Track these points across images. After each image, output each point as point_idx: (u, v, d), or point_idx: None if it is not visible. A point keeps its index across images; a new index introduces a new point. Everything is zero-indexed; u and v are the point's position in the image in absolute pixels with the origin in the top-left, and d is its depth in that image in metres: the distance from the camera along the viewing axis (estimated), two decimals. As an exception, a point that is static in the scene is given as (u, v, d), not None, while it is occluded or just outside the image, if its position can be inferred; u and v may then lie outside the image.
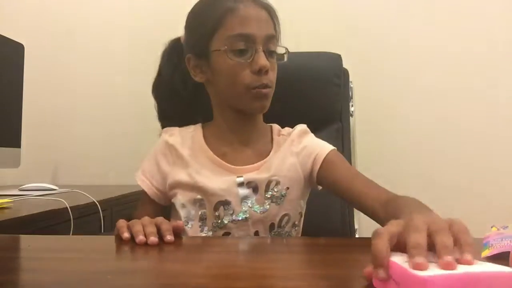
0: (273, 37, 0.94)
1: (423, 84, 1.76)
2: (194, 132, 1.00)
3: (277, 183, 0.94)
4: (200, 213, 0.93)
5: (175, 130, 1.01)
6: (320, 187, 0.99)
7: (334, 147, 0.99)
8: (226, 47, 0.91)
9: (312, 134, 1.02)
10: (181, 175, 0.94)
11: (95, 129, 1.92)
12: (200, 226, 0.93)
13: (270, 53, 0.93)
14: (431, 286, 0.41)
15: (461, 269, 0.43)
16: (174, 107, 1.05)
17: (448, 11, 1.76)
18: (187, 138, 0.99)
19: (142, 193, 1.00)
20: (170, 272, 0.54)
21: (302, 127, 1.02)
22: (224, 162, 0.95)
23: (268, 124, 1.04)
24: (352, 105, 1.38)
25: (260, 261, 0.65)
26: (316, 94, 1.26)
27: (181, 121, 1.03)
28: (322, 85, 1.28)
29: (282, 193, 0.95)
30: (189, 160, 0.95)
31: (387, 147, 1.73)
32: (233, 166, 0.94)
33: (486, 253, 0.60)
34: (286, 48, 0.98)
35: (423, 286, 0.41)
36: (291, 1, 1.79)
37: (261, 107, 0.94)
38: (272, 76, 0.93)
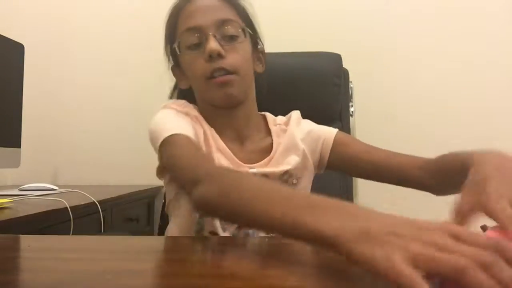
0: (227, 21, 0.89)
1: (423, 84, 1.76)
2: (201, 120, 0.93)
3: (290, 175, 0.92)
4: None
5: (184, 102, 0.93)
6: (322, 171, 0.98)
7: (337, 129, 0.98)
8: (179, 48, 0.90)
9: (307, 119, 1.02)
10: None
11: (95, 129, 1.92)
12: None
13: (228, 37, 0.89)
14: None
15: None
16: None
17: (448, 11, 1.76)
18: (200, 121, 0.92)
19: (177, 138, 0.79)
20: (170, 272, 0.54)
21: (297, 114, 1.01)
22: (234, 157, 0.90)
23: (260, 114, 1.01)
24: (352, 105, 1.38)
25: (260, 261, 0.65)
26: (316, 94, 1.26)
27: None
28: (322, 85, 1.28)
29: (293, 182, 0.93)
30: (207, 146, 0.89)
31: (387, 147, 1.73)
32: (242, 163, 0.90)
33: None
34: (244, 29, 0.91)
35: None
36: (291, 1, 1.79)
37: (225, 96, 0.88)
38: (232, 59, 0.87)
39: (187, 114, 0.90)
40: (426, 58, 1.77)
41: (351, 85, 1.39)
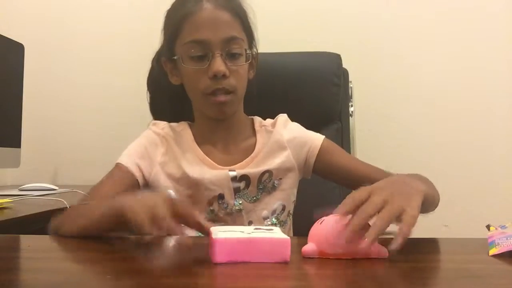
0: (234, 39, 0.91)
1: (423, 84, 1.76)
2: (182, 130, 0.99)
3: (270, 175, 0.95)
4: None
5: (165, 124, 1.00)
6: (309, 176, 1.01)
7: (323, 136, 1.00)
8: (181, 54, 0.91)
9: (295, 122, 1.03)
10: (172, 169, 0.94)
11: (95, 129, 1.92)
12: None
13: (232, 56, 0.91)
14: (217, 245, 0.55)
15: (246, 234, 0.57)
16: (165, 101, 1.06)
17: (449, 11, 1.76)
18: (176, 134, 0.98)
19: (117, 169, 0.94)
20: (170, 272, 0.54)
21: (284, 116, 1.02)
22: (213, 163, 0.94)
23: (249, 117, 1.03)
24: (351, 105, 1.39)
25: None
26: (316, 94, 1.26)
27: (171, 116, 1.03)
28: (321, 85, 1.28)
29: (275, 183, 0.95)
30: (180, 156, 0.95)
31: (386, 147, 1.73)
32: (220, 167, 0.94)
33: (494, 251, 0.63)
34: (246, 50, 0.93)
35: (214, 245, 0.56)
36: (291, 1, 1.79)
37: (220, 114, 0.93)
38: (233, 81, 0.90)
39: (158, 135, 0.97)
40: (426, 58, 1.77)
41: (351, 85, 1.39)
